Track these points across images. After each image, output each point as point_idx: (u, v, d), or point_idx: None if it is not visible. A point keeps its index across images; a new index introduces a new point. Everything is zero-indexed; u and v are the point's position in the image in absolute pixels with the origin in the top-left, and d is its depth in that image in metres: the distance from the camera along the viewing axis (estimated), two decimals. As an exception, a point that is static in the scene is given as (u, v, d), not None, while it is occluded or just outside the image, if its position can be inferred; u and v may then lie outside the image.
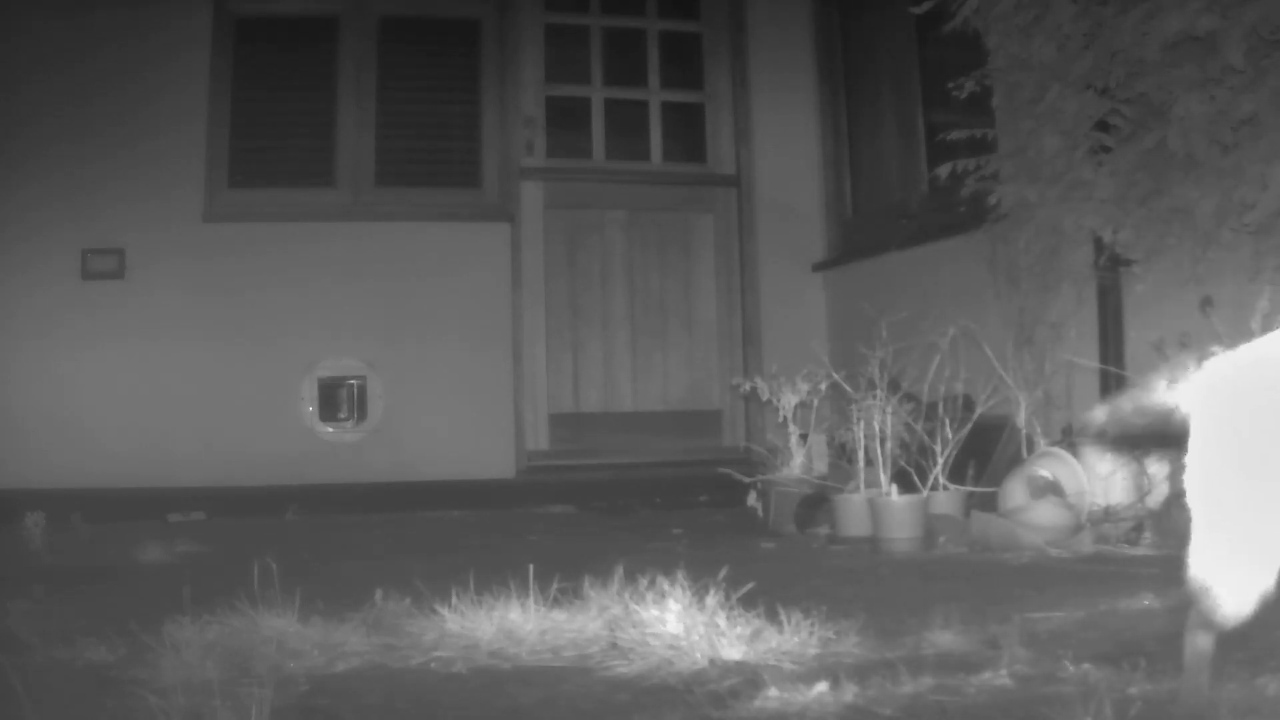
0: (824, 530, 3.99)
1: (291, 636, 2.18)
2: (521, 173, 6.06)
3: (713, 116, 6.36)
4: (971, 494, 3.80)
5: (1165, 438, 1.70)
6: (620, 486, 5.56)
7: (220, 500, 5.04)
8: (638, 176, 6.30)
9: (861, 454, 3.84)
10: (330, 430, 5.71)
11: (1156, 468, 3.51)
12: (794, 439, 4.33)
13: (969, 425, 3.80)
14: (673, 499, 5.39)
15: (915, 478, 3.67)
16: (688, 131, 6.40)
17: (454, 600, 2.31)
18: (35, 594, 2.79)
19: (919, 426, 3.78)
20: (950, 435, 3.72)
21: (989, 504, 3.72)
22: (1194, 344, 3.22)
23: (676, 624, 2.08)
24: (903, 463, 3.73)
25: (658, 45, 6.38)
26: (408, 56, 6.02)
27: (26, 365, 5.42)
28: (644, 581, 2.20)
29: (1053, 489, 3.60)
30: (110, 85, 5.57)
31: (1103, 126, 4.00)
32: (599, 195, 6.22)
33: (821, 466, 4.31)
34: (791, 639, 2.08)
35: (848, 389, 3.94)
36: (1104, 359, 4.07)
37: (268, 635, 2.18)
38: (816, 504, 4.09)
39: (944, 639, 2.11)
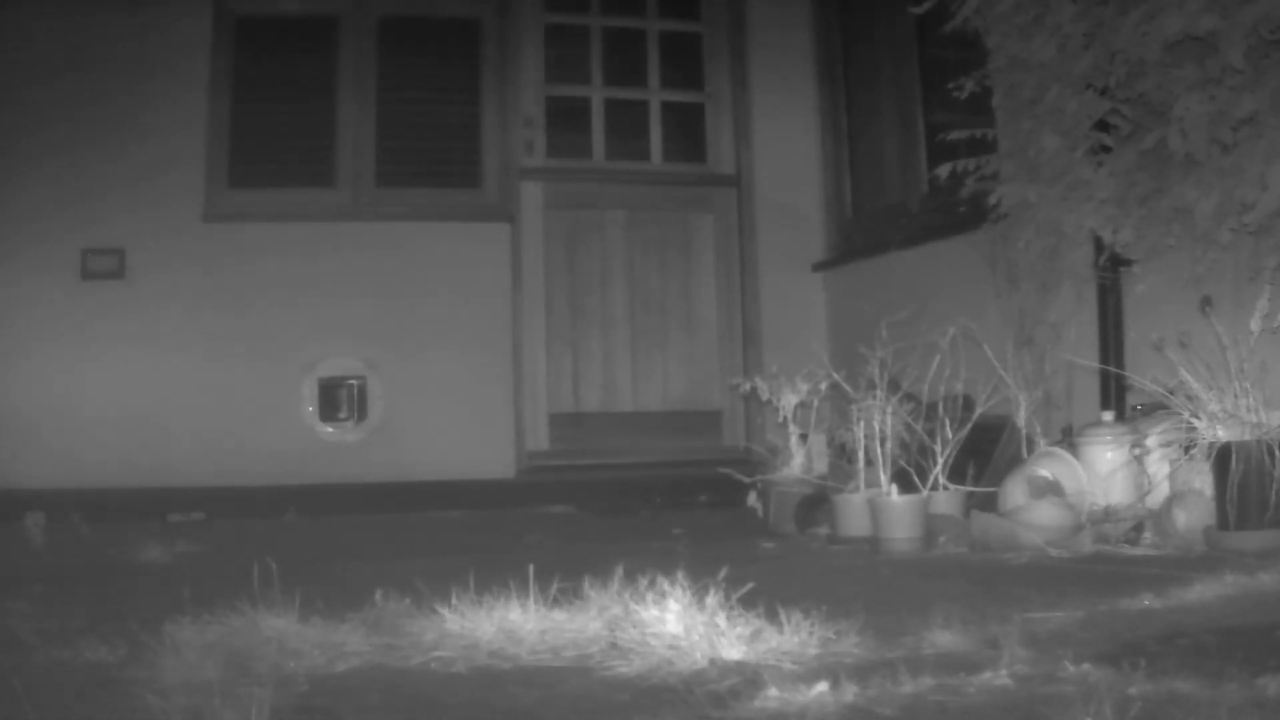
0: (824, 530, 3.99)
1: (291, 636, 2.18)
2: (521, 173, 6.06)
3: (713, 116, 6.36)
4: (971, 494, 3.80)
5: None
6: (620, 486, 5.56)
7: (220, 500, 5.04)
8: (638, 176, 6.30)
9: (861, 454, 3.84)
10: (330, 430, 5.71)
11: (1156, 468, 3.52)
12: (794, 439, 4.33)
13: (969, 425, 3.80)
14: (672, 499, 5.39)
15: (915, 478, 3.67)
16: (688, 131, 6.40)
17: (454, 600, 2.30)
18: (35, 594, 2.79)
19: (919, 426, 3.78)
20: (950, 435, 3.72)
21: (989, 504, 3.72)
22: (1194, 344, 3.22)
23: (676, 624, 2.08)
24: (903, 463, 3.73)
25: (658, 45, 6.38)
26: (408, 57, 6.02)
27: (26, 364, 5.43)
28: (644, 581, 2.20)
29: (1053, 489, 3.60)
30: (111, 85, 5.57)
31: (1103, 126, 4.00)
32: (599, 195, 6.23)
33: (821, 466, 4.31)
34: (791, 639, 2.07)
35: (848, 389, 3.94)
36: (1104, 359, 4.07)
37: (268, 635, 2.18)
38: (816, 504, 4.10)
39: (944, 639, 2.11)
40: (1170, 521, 3.28)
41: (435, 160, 6.06)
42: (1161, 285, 3.84)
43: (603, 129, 6.28)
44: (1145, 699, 1.68)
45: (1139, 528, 3.39)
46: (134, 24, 5.59)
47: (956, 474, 3.78)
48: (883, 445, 3.76)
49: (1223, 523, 3.11)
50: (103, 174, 5.52)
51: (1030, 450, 3.93)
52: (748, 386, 4.52)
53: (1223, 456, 3.09)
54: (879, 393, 3.82)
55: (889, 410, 3.80)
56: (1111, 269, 4.06)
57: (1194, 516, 3.24)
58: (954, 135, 4.50)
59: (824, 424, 4.43)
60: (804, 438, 4.33)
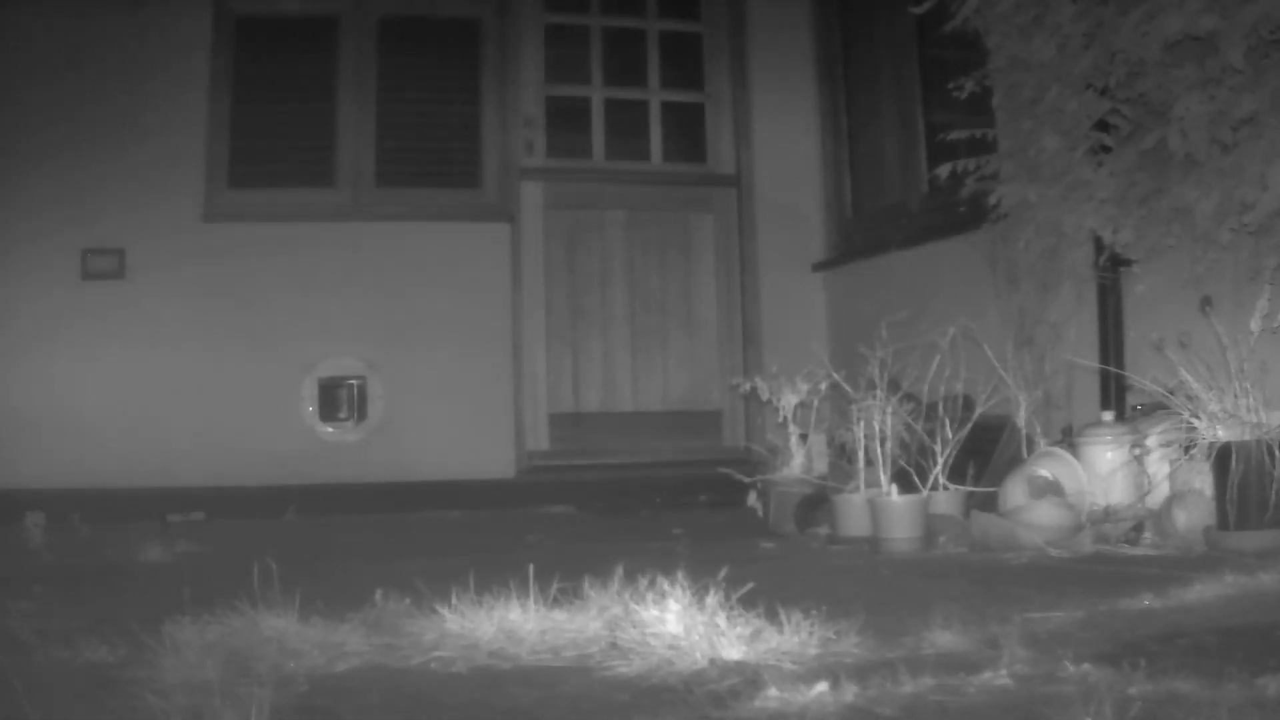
0: (824, 530, 3.99)
1: (291, 636, 2.18)
2: (521, 173, 6.06)
3: (713, 116, 6.36)
4: (971, 494, 3.80)
5: None
6: (620, 486, 5.56)
7: (220, 500, 5.04)
8: (638, 176, 6.30)
9: (861, 454, 3.84)
10: (330, 430, 5.71)
11: (1156, 468, 3.52)
12: (794, 439, 4.33)
13: (969, 425, 3.80)
14: (673, 499, 5.39)
15: (915, 478, 3.67)
16: (688, 131, 6.40)
17: (454, 600, 2.31)
18: (35, 594, 2.79)
19: (919, 426, 3.78)
20: (950, 435, 3.72)
21: (989, 504, 3.72)
22: (1194, 344, 3.22)
23: (676, 624, 2.08)
24: (903, 463, 3.73)
25: (658, 45, 6.38)
26: (407, 57, 6.02)
27: (26, 364, 5.42)
28: (644, 581, 2.20)
29: (1053, 489, 3.60)
30: (111, 85, 5.57)
31: (1103, 126, 4.00)
32: (599, 195, 6.23)
33: (821, 466, 4.31)
34: (791, 639, 2.07)
35: (848, 389, 3.94)
36: (1104, 359, 4.07)
37: (268, 635, 2.18)
38: (816, 504, 4.10)
39: (944, 639, 2.11)
40: (1170, 521, 3.28)
41: (435, 160, 6.06)
42: (1161, 285, 3.84)
43: (603, 129, 6.28)
44: (1145, 699, 1.68)
45: (1139, 528, 3.39)
46: (134, 24, 5.59)
47: (956, 474, 3.78)
48: (883, 445, 3.76)
49: (1223, 523, 3.12)
50: (102, 174, 5.52)
51: (1030, 450, 3.92)
52: (748, 386, 4.52)
53: (1223, 456, 3.09)
54: (879, 393, 3.82)
55: (889, 410, 3.80)
56: (1111, 269, 4.06)
57: (1194, 516, 3.24)
58: (954, 135, 4.50)
59: (824, 424, 4.43)
60: (804, 438, 4.33)
